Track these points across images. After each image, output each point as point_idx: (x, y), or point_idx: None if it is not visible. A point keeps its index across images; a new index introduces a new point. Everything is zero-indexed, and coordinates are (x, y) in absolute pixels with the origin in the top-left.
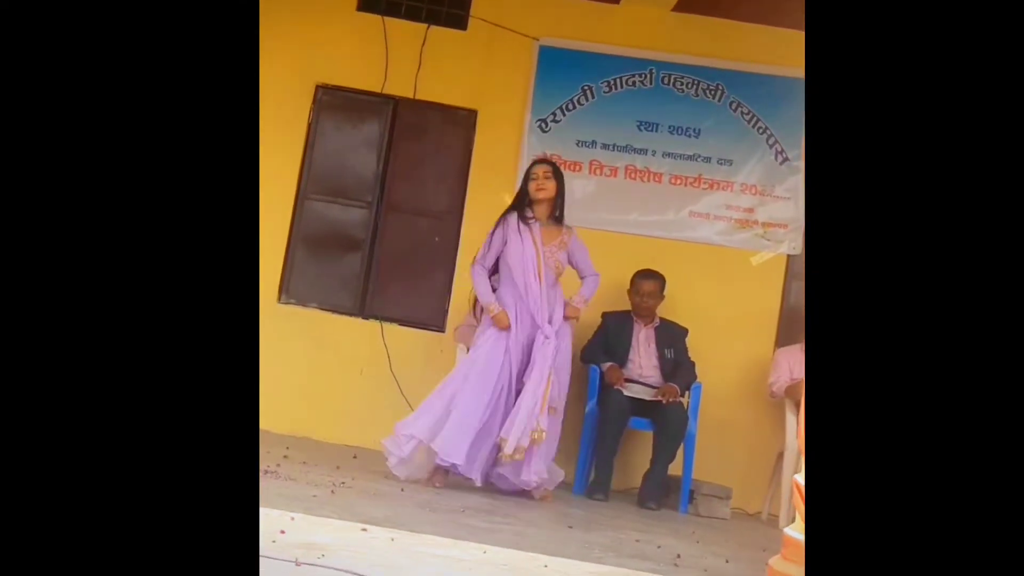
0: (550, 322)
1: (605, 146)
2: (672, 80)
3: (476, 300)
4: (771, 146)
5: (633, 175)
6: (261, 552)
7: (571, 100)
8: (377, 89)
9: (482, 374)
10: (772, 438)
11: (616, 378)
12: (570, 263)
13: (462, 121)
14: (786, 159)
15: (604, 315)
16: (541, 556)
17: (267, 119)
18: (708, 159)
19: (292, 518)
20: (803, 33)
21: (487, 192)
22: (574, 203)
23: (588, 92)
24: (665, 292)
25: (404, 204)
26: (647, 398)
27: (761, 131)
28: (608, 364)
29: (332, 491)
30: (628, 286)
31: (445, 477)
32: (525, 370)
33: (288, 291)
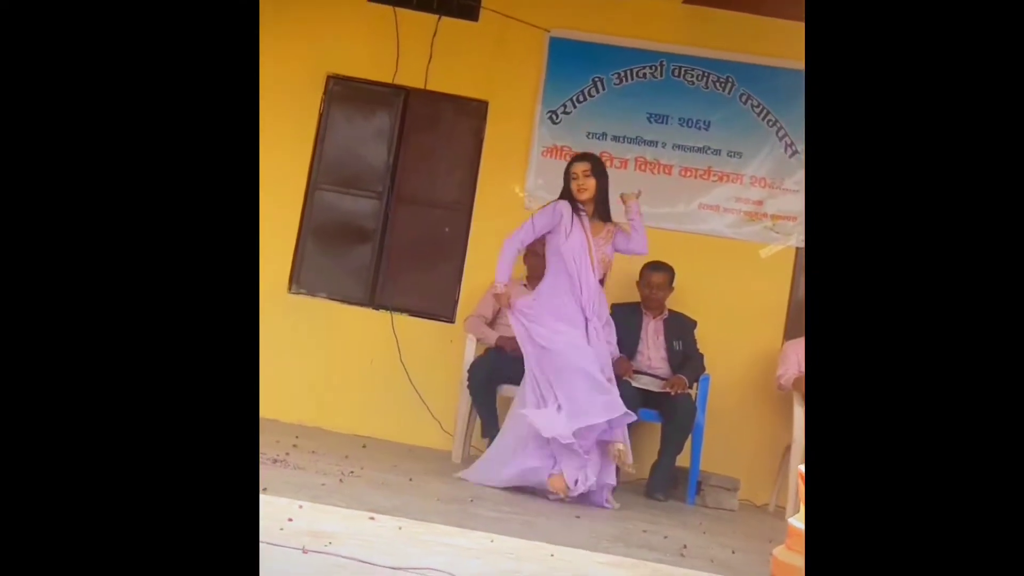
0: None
1: (615, 138)
2: (682, 72)
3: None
4: (781, 139)
5: (643, 167)
6: (269, 539)
7: (582, 92)
8: (388, 80)
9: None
10: (780, 430)
11: (625, 369)
12: (617, 250)
13: (473, 112)
14: (796, 152)
15: (613, 307)
16: (548, 546)
17: (278, 109)
18: (718, 151)
19: (300, 506)
20: None
21: (497, 183)
22: None
23: (599, 84)
24: (674, 284)
25: (415, 195)
26: (655, 389)
27: (771, 124)
28: (617, 356)
29: (340, 480)
30: (637, 278)
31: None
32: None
33: (299, 281)
